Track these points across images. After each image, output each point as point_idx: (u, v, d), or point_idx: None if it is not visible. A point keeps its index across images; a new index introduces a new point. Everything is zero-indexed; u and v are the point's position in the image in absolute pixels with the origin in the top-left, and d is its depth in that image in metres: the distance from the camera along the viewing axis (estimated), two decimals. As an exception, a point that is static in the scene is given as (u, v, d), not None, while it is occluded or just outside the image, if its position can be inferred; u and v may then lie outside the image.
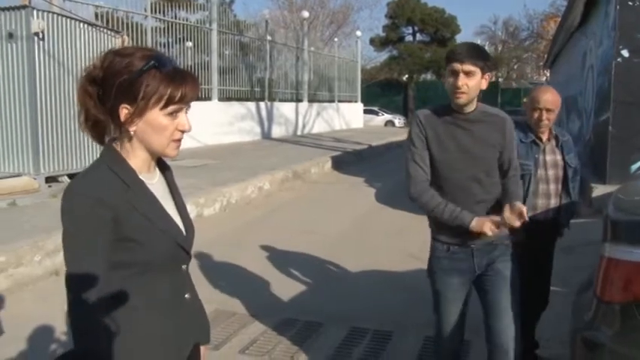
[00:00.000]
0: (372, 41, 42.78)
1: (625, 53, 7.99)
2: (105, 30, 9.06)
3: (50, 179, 7.89)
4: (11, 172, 7.70)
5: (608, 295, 2.13)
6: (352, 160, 14.63)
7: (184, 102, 1.40)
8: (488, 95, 24.51)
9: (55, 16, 8.03)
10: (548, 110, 3.08)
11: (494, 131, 2.47)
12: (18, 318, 4.06)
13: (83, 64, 1.51)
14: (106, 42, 8.69)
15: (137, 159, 1.43)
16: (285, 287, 4.85)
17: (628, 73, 7.91)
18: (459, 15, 65.41)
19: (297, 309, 4.40)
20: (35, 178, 7.56)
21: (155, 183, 1.49)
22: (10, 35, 7.59)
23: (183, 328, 1.53)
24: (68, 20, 8.23)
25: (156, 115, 1.38)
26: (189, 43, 15.30)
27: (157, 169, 1.53)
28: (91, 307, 1.31)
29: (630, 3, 7.95)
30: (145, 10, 13.16)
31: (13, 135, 7.78)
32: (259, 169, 10.38)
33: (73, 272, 1.32)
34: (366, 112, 29.78)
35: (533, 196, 3.13)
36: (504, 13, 77.23)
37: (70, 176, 7.92)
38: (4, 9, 7.68)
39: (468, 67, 2.31)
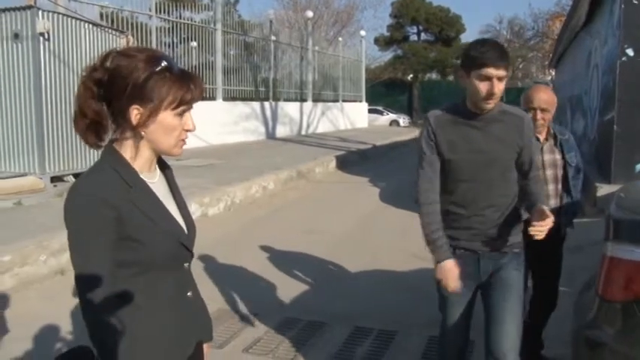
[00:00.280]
0: (376, 41, 42.81)
1: (630, 52, 7.97)
2: (110, 30, 9.09)
3: (55, 179, 7.93)
4: (17, 171, 7.75)
5: (609, 294, 2.13)
6: (356, 159, 14.63)
7: (192, 102, 1.44)
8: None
9: (61, 16, 8.07)
10: (543, 110, 3.06)
11: (511, 131, 2.34)
12: (23, 317, 4.08)
13: (88, 64, 1.52)
14: (110, 42, 8.72)
15: (140, 159, 1.44)
16: (289, 286, 4.86)
17: (633, 72, 7.89)
18: (463, 14, 65.37)
19: (300, 308, 4.41)
20: (41, 178, 7.60)
21: (156, 182, 1.50)
22: (16, 35, 7.63)
23: (185, 326, 1.54)
24: (73, 20, 8.26)
25: (167, 116, 1.40)
26: (194, 43, 15.34)
27: (158, 169, 1.55)
28: (100, 305, 1.34)
29: (635, 2, 7.92)
30: (150, 10, 13.19)
31: (18, 135, 7.82)
32: (264, 168, 10.40)
33: (81, 272, 1.35)
34: (370, 111, 29.76)
35: None
36: (509, 13, 76.93)
37: (76, 176, 7.95)
38: (9, 9, 7.73)
39: (503, 72, 2.19)
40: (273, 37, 19.26)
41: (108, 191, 1.35)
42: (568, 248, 3.47)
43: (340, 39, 28.18)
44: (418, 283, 4.87)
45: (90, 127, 1.42)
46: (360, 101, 27.67)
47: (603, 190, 7.64)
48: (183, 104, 1.41)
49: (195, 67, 15.18)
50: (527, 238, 2.54)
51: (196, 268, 4.99)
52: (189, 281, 1.58)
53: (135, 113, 1.38)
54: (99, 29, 8.71)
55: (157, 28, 13.53)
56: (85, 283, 1.34)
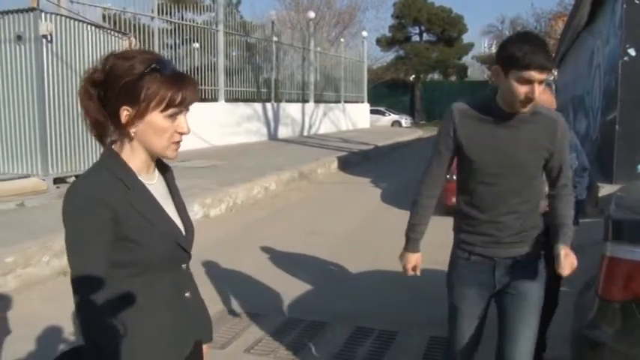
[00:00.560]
0: (378, 41, 42.78)
1: (632, 52, 7.96)
2: (112, 32, 9.12)
3: (58, 180, 7.96)
4: (20, 173, 7.77)
5: (609, 294, 2.14)
6: (358, 160, 14.64)
7: (184, 105, 1.42)
8: (495, 95, 24.35)
9: (63, 18, 8.10)
10: None
11: (541, 134, 2.15)
12: (26, 318, 4.10)
13: (91, 66, 1.54)
14: (113, 44, 8.75)
15: (137, 160, 1.46)
16: (290, 287, 4.87)
17: (635, 72, 7.88)
18: (465, 14, 65.38)
19: (302, 308, 4.42)
20: (44, 179, 7.63)
21: (154, 184, 1.51)
22: (19, 37, 7.65)
23: (183, 327, 1.55)
24: (76, 22, 8.29)
25: (156, 118, 1.40)
26: (196, 45, 15.37)
27: (157, 170, 1.55)
28: (97, 305, 1.35)
29: (637, 1, 7.92)
30: (152, 12, 13.23)
31: (21, 136, 7.84)
32: (265, 169, 10.42)
33: (78, 272, 1.36)
34: (372, 112, 29.78)
35: None
36: (512, 12, 77.04)
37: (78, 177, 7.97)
38: (12, 11, 7.75)
39: (545, 75, 2.00)
40: (275, 38, 19.29)
41: (105, 192, 1.36)
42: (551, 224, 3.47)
43: (342, 40, 28.20)
44: (419, 283, 4.85)
45: (94, 127, 1.44)
46: (362, 102, 27.69)
47: (605, 190, 7.64)
48: (173, 106, 1.40)
49: (198, 68, 15.20)
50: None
51: (198, 269, 5.02)
52: (187, 282, 1.59)
53: (125, 114, 1.39)
54: (101, 31, 8.73)
55: (159, 30, 13.56)
56: (81, 283, 1.35)
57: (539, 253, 2.28)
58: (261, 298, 4.64)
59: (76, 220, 1.36)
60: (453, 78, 43.47)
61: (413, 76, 41.31)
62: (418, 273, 2.44)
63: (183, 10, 15.97)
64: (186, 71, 14.55)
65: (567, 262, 2.02)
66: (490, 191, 2.18)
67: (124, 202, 1.38)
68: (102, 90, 1.40)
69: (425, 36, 43.16)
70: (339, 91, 24.78)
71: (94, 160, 1.51)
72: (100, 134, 1.45)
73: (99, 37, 8.55)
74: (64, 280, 4.86)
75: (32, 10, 7.66)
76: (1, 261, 4.69)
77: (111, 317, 1.38)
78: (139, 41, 11.71)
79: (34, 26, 7.60)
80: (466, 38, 43.22)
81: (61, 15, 8.20)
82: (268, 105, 18.45)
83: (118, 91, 1.38)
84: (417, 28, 42.92)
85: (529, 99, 2.01)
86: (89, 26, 8.50)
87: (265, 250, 6.11)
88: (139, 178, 1.45)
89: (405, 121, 34.33)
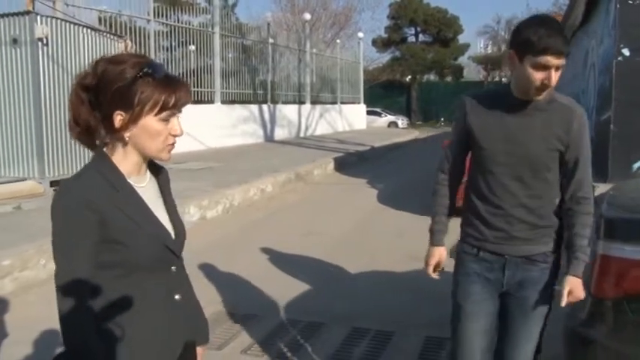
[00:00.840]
0: (374, 42, 42.84)
1: (626, 52, 8.00)
2: (108, 35, 9.13)
3: (55, 183, 7.95)
4: (16, 176, 7.78)
5: (601, 292, 2.17)
6: (355, 161, 14.67)
7: (177, 107, 1.43)
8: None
9: (59, 21, 8.11)
10: None
11: (556, 123, 2.03)
12: (23, 321, 4.10)
13: (83, 70, 1.55)
14: (109, 46, 8.76)
15: (128, 163, 1.46)
16: (287, 288, 4.88)
17: (629, 71, 7.92)
18: (461, 15, 65.48)
19: (298, 309, 4.43)
20: (40, 183, 7.63)
21: (145, 186, 1.51)
22: (15, 41, 7.67)
23: (171, 329, 1.53)
24: (71, 25, 8.30)
25: (150, 121, 1.41)
26: (192, 47, 15.38)
27: (148, 173, 1.56)
28: (78, 306, 1.35)
29: (630, 1, 7.96)
30: (148, 14, 13.24)
31: (17, 140, 7.85)
32: (262, 171, 10.43)
33: (61, 272, 1.37)
34: (368, 113, 29.82)
35: None
36: (507, 13, 77.08)
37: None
38: (8, 15, 7.77)
39: (564, 60, 1.90)
40: (270, 40, 19.32)
41: (93, 194, 1.37)
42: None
43: (338, 41, 28.24)
44: (416, 283, 4.90)
45: (84, 132, 1.44)
46: (359, 103, 27.73)
47: (600, 189, 7.64)
48: (166, 109, 1.41)
49: (194, 70, 15.22)
50: None
51: (194, 271, 5.03)
52: (177, 284, 1.56)
53: (118, 118, 1.39)
54: (97, 34, 8.75)
55: (155, 32, 13.57)
56: (63, 283, 1.36)
57: (552, 254, 2.14)
58: (257, 299, 4.65)
59: (63, 221, 1.37)
60: (449, 79, 43.55)
61: (409, 76, 41.38)
62: (437, 275, 2.28)
63: (179, 12, 15.95)
64: (183, 73, 14.54)
65: (570, 298, 1.99)
66: (498, 181, 2.08)
67: (111, 204, 1.39)
68: (93, 95, 1.40)
69: (421, 37, 43.24)
70: (336, 92, 24.81)
71: (91, 164, 1.51)
72: (91, 138, 1.45)
73: (95, 39, 8.56)
74: (61, 282, 4.86)
75: (28, 13, 7.68)
76: (-3, 264, 4.69)
77: (95, 318, 1.38)
78: (135, 44, 11.71)
79: (29, 29, 7.61)
80: (462, 39, 43.35)
81: (57, 18, 8.22)
82: (264, 107, 18.47)
83: (110, 96, 1.38)
84: (412, 28, 42.98)
85: (545, 85, 1.93)
86: (85, 29, 8.52)
87: (262, 251, 6.12)
88: (129, 180, 1.46)
89: (402, 121, 34.38)
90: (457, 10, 73.27)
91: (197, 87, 15.16)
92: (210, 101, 15.72)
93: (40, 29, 7.57)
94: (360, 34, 29.34)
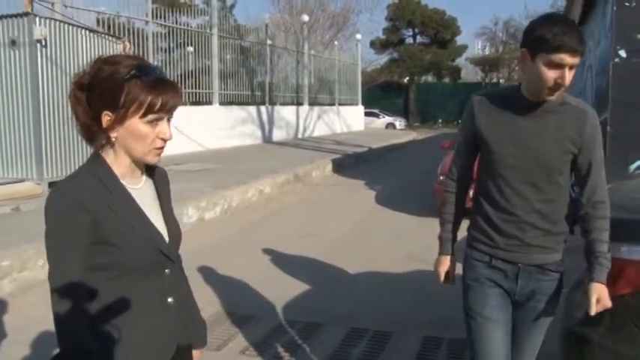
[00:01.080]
0: (372, 44, 42.89)
1: (622, 53, 8.03)
2: (106, 36, 9.14)
3: (53, 184, 7.95)
4: (15, 177, 7.78)
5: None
6: (353, 162, 14.69)
7: (164, 111, 1.41)
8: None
9: (57, 22, 8.12)
10: None
11: (568, 126, 1.96)
12: (22, 322, 4.11)
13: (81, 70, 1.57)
14: (107, 48, 8.77)
15: (121, 164, 1.46)
16: (286, 289, 4.90)
17: (626, 73, 7.95)
18: (459, 16, 65.31)
19: (297, 310, 4.45)
20: (38, 184, 7.64)
21: (140, 188, 1.51)
22: (13, 42, 7.67)
23: (164, 332, 1.52)
24: (70, 27, 8.31)
25: (136, 123, 1.40)
26: (190, 48, 15.39)
27: (144, 175, 1.55)
28: (72, 307, 1.36)
29: (627, 4, 7.99)
30: (147, 16, 13.25)
31: (16, 141, 7.85)
32: (260, 172, 10.44)
33: (54, 273, 1.39)
34: (366, 114, 29.86)
35: None
36: (505, 14, 77.17)
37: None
38: (6, 16, 7.77)
39: (578, 59, 1.84)
40: (269, 41, 19.34)
41: (85, 195, 1.37)
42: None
43: (336, 42, 28.29)
44: (414, 284, 4.92)
45: (83, 131, 1.45)
46: (356, 104, 27.77)
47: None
48: (152, 112, 1.39)
49: (192, 71, 15.23)
50: None
51: (193, 272, 5.04)
52: (170, 287, 1.55)
53: (106, 119, 1.40)
54: (96, 35, 8.76)
55: (153, 34, 13.57)
56: (56, 283, 1.38)
57: (563, 262, 2.08)
58: (256, 300, 4.67)
59: (55, 222, 1.37)
60: (447, 80, 43.59)
61: (407, 78, 41.41)
62: (452, 283, 2.21)
63: (178, 13, 15.95)
64: (181, 75, 14.46)
65: (598, 307, 1.93)
66: (511, 186, 2.01)
67: (104, 206, 1.39)
68: (88, 94, 1.41)
69: (418, 38, 43.29)
70: (334, 93, 24.84)
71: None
72: (90, 138, 1.46)
73: (93, 41, 8.58)
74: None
75: (26, 14, 7.68)
76: (-4, 265, 4.70)
77: (85, 318, 1.39)
78: (133, 45, 11.71)
79: (28, 31, 7.62)
80: (459, 40, 43.37)
81: (55, 19, 8.22)
82: (262, 108, 18.49)
83: (99, 95, 1.38)
84: (410, 30, 43.03)
85: (558, 85, 1.85)
86: (83, 30, 8.53)
87: (260, 252, 6.13)
88: (123, 182, 1.46)
89: (399, 123, 34.41)
90: (455, 12, 73.32)
91: (195, 88, 15.18)
92: (209, 102, 15.74)
93: (39, 31, 7.58)
94: (358, 36, 29.44)
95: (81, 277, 1.37)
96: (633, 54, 7.94)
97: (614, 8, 8.04)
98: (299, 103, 21.42)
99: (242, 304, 4.55)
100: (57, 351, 1.43)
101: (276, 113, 19.29)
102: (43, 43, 7.69)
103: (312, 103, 22.31)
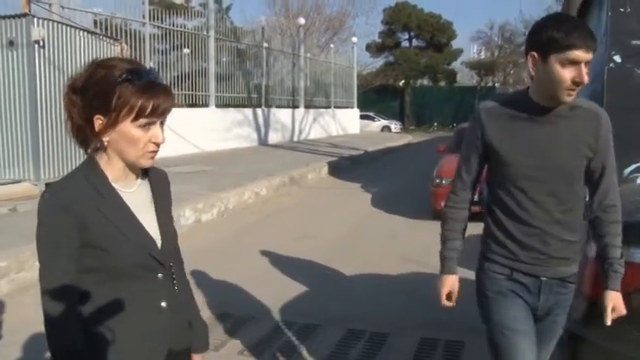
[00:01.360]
0: (368, 47, 43.00)
1: (617, 59, 8.08)
2: (104, 37, 9.15)
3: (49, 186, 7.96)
4: (12, 178, 7.77)
5: (592, 293, 2.21)
6: (348, 165, 14.72)
7: (156, 114, 1.40)
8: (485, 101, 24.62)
9: (55, 24, 8.12)
10: None
11: (583, 130, 1.89)
12: (19, 323, 4.10)
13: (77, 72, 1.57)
14: (105, 49, 8.78)
15: (113, 168, 1.45)
16: (283, 290, 4.92)
17: (620, 78, 8.00)
18: (455, 20, 65.57)
19: (294, 311, 4.47)
20: (36, 184, 7.62)
21: (133, 192, 1.49)
22: (11, 43, 7.67)
23: (156, 335, 1.50)
24: (68, 28, 8.32)
25: (128, 127, 1.39)
26: (187, 50, 15.40)
27: (139, 178, 1.52)
28: (62, 309, 1.36)
29: (622, 9, 8.06)
30: (143, 17, 13.25)
31: (13, 141, 7.84)
32: (256, 174, 10.46)
33: (44, 274, 1.39)
34: (362, 117, 29.91)
35: None
36: (500, 19, 77.10)
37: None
38: (4, 17, 7.77)
39: (592, 55, 1.75)
40: (265, 44, 19.37)
41: (75, 198, 1.38)
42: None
43: (332, 45, 28.36)
44: (409, 285, 4.95)
45: (78, 133, 1.45)
46: (352, 107, 27.82)
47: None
48: (144, 116, 1.38)
49: (188, 73, 15.23)
50: None
51: (190, 274, 5.05)
52: (163, 292, 1.52)
53: (98, 122, 1.39)
54: (93, 37, 8.76)
55: (150, 35, 13.58)
56: (44, 285, 1.38)
57: (576, 274, 2.02)
58: (253, 302, 4.68)
59: (45, 223, 1.38)
60: (442, 83, 43.72)
61: (402, 81, 41.53)
62: (453, 303, 2.09)
63: (174, 15, 15.97)
64: (177, 77, 14.38)
65: (613, 315, 1.88)
66: (531, 198, 1.91)
67: (94, 209, 1.39)
68: (82, 96, 1.41)
69: (414, 42, 43.42)
70: (329, 96, 24.89)
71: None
72: (84, 141, 1.46)
73: (91, 42, 8.58)
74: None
75: (24, 15, 7.68)
76: (-6, 266, 4.70)
77: (75, 320, 1.39)
78: (130, 47, 11.72)
79: (26, 32, 7.62)
80: (455, 44, 43.55)
81: (53, 20, 8.23)
82: (259, 110, 18.51)
83: (91, 98, 1.38)
84: (406, 33, 43.17)
85: (577, 84, 1.76)
86: (81, 32, 8.54)
87: (257, 254, 6.15)
88: (115, 185, 1.45)
89: (395, 126, 34.47)
90: (451, 16, 73.54)
91: (191, 90, 15.18)
92: (205, 105, 15.74)
93: (37, 32, 7.58)
94: (354, 39, 29.49)
95: (71, 278, 1.38)
96: (628, 59, 7.99)
97: (609, 14, 8.10)
98: (295, 106, 21.45)
99: (239, 306, 4.57)
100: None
101: (272, 116, 19.31)
102: (41, 44, 7.69)
103: (307, 106, 22.35)
